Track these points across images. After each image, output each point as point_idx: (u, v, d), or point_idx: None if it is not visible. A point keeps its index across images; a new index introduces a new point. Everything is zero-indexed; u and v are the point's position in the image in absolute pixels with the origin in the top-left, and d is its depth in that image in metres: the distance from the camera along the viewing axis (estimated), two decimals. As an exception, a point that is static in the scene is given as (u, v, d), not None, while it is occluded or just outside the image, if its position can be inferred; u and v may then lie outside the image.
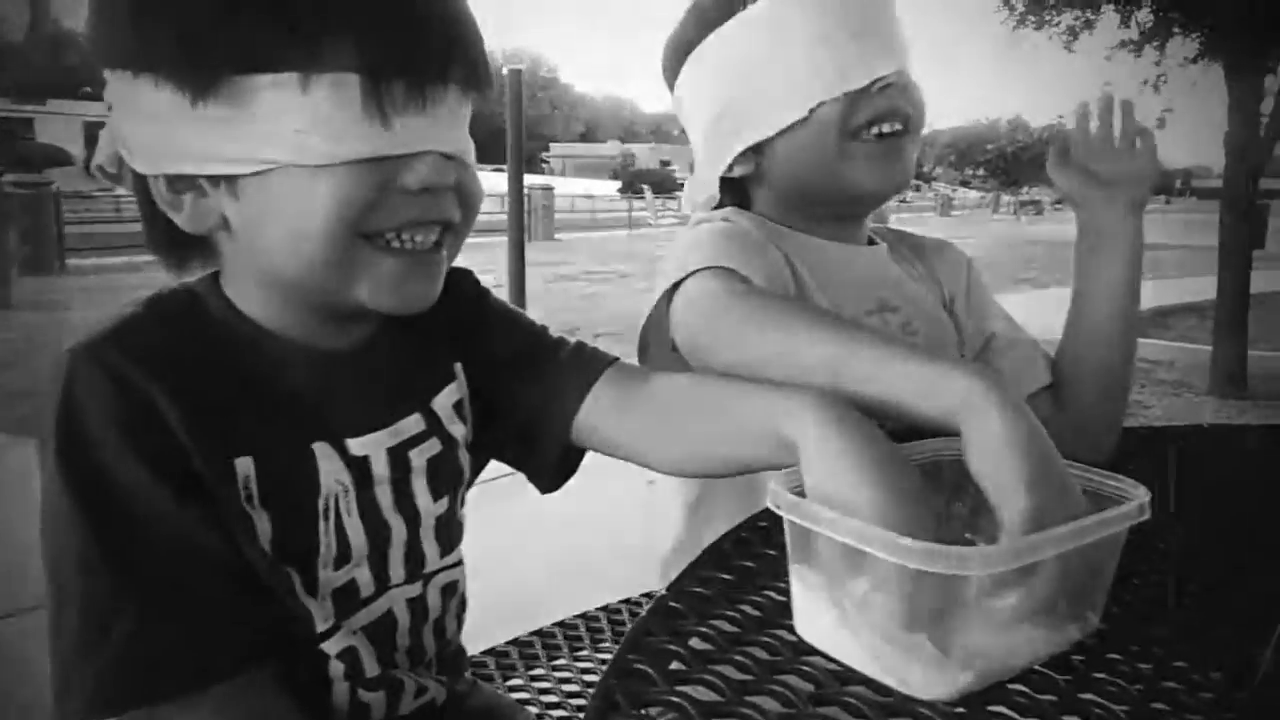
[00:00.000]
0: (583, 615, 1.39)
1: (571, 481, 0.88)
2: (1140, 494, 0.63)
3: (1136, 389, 6.25)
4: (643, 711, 0.52)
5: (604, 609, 1.41)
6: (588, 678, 1.23)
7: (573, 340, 0.86)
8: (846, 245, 1.13)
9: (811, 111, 1.02)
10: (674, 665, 0.58)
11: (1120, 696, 0.56)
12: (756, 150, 1.08)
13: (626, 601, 1.42)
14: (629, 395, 0.80)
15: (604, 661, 1.27)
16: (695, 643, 0.61)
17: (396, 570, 0.77)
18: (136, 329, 0.69)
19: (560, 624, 1.36)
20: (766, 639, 0.61)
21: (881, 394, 0.68)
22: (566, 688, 1.20)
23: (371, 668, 0.76)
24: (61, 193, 11.76)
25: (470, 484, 0.87)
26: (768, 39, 1.03)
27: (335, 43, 0.63)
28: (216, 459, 0.66)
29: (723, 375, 0.79)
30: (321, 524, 0.72)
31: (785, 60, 1.03)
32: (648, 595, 1.42)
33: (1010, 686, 0.57)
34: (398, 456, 0.77)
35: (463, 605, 0.86)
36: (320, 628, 0.72)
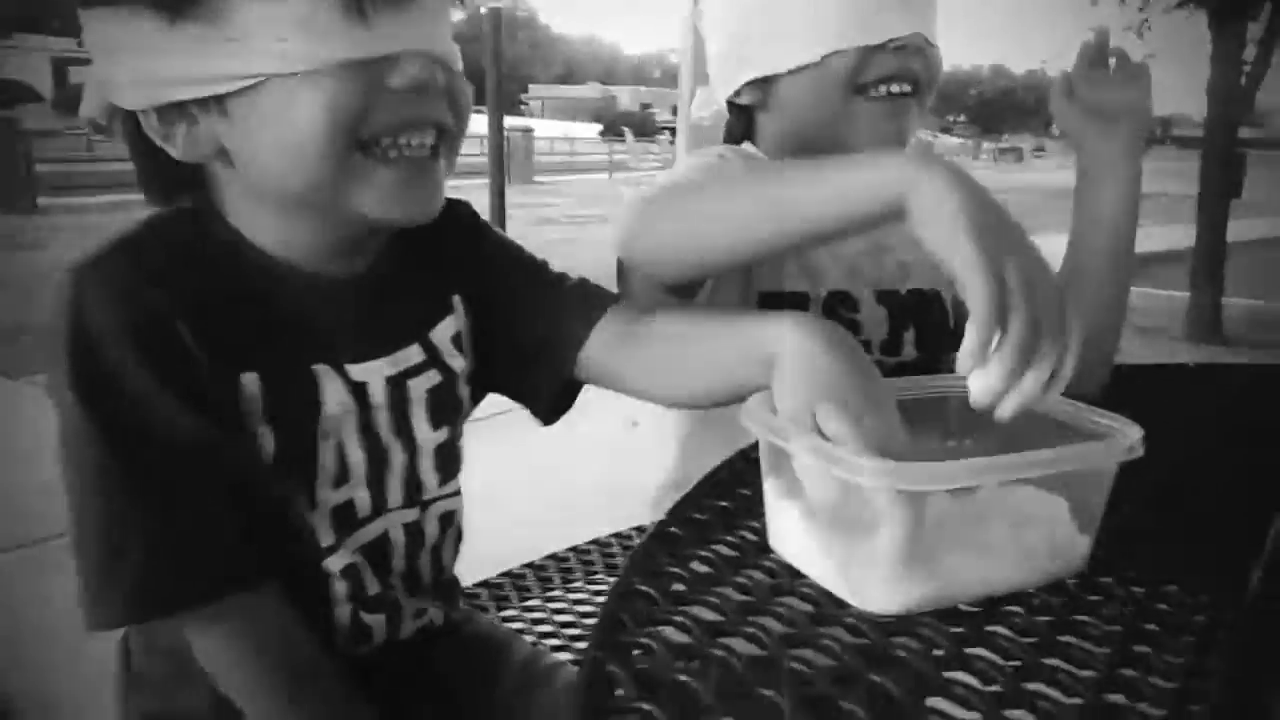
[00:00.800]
0: (573, 548, 1.40)
1: (558, 420, 0.88)
2: (1132, 432, 0.63)
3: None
4: (648, 630, 0.53)
5: (595, 542, 1.42)
6: (580, 608, 1.25)
7: (572, 276, 0.86)
8: None
9: (823, 58, 1.01)
10: (676, 587, 0.59)
11: (1112, 618, 0.57)
12: (765, 82, 1.07)
13: (617, 535, 1.44)
14: (632, 331, 0.80)
15: (597, 592, 1.29)
16: (696, 566, 0.62)
17: (394, 494, 0.78)
18: (139, 244, 0.68)
19: (552, 556, 1.38)
20: (767, 563, 0.63)
21: (825, 211, 0.68)
22: (560, 618, 1.22)
23: (372, 586, 0.77)
24: (31, 130, 11.49)
25: (468, 415, 0.87)
26: None
27: None
28: (224, 373, 0.67)
29: (714, 308, 0.79)
30: (321, 444, 0.73)
31: (805, 4, 1.01)
32: (638, 529, 1.44)
33: (1008, 609, 0.58)
34: (396, 385, 0.77)
35: (459, 536, 0.87)
36: (324, 542, 0.74)
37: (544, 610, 1.23)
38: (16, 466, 3.21)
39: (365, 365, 0.75)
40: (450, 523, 0.84)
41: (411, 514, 0.80)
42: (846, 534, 0.59)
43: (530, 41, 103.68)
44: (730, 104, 1.13)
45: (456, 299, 0.83)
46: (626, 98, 78.14)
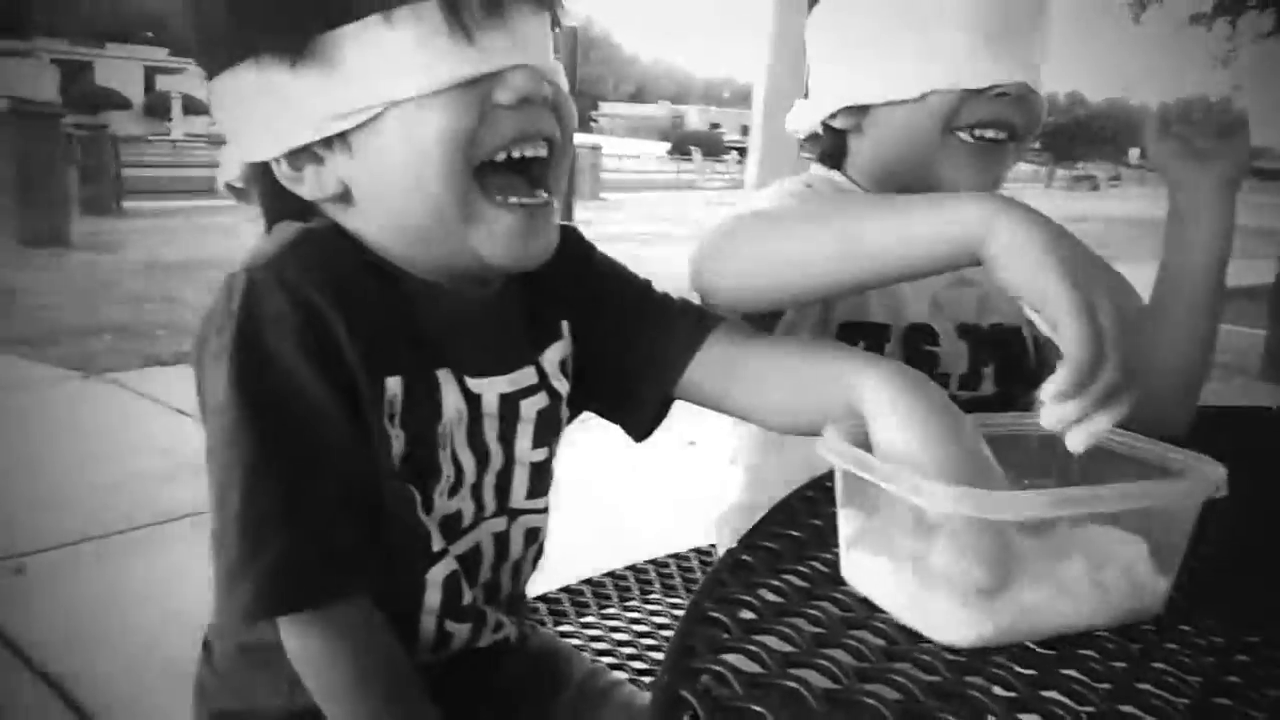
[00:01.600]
0: (631, 567, 1.41)
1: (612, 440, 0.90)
2: (1214, 472, 0.62)
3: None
4: (720, 657, 0.54)
5: (653, 562, 1.43)
6: (637, 628, 1.25)
7: (677, 297, 0.88)
8: None
9: (923, 95, 1.00)
10: (747, 615, 0.59)
11: (1192, 668, 0.56)
12: (863, 109, 1.07)
13: (675, 556, 1.44)
14: (735, 354, 0.82)
15: (654, 613, 1.29)
16: (768, 594, 0.62)
17: (489, 502, 0.80)
18: (307, 252, 0.71)
19: (610, 574, 1.38)
20: (839, 595, 0.62)
21: (901, 255, 0.69)
22: (616, 635, 1.22)
23: (468, 595, 0.79)
24: (118, 136, 11.93)
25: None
26: (908, 18, 1.01)
27: None
28: (373, 377, 0.70)
29: (810, 341, 0.80)
30: (440, 451, 0.75)
31: (917, 35, 1.00)
32: (698, 551, 1.44)
33: (1083, 651, 0.57)
34: (509, 402, 0.80)
35: (539, 554, 0.89)
36: (435, 547, 0.76)
37: (601, 628, 1.24)
38: (89, 463, 3.33)
39: (482, 380, 0.78)
40: (534, 540, 0.86)
41: (500, 523, 0.82)
42: (923, 564, 0.59)
43: (602, 60, 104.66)
44: (825, 124, 1.12)
45: (565, 325, 0.85)
46: (695, 117, 78.38)
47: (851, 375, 0.71)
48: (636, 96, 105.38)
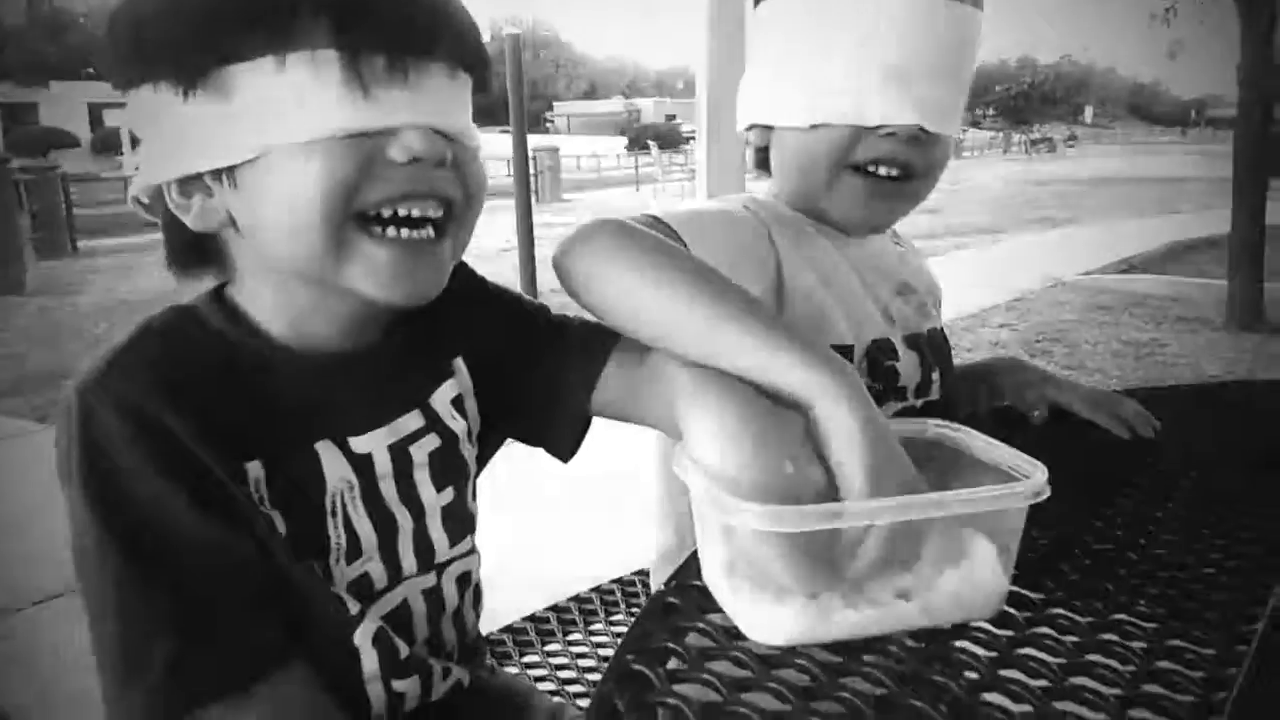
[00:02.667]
0: (596, 589, 1.41)
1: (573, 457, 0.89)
2: (1038, 478, 0.63)
3: (1153, 326, 6.22)
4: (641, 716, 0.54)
5: (618, 581, 1.43)
6: (603, 651, 1.25)
7: (574, 319, 0.87)
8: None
9: (811, 127, 1.00)
10: (672, 664, 0.59)
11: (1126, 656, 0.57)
12: (768, 127, 1.06)
13: (639, 574, 1.44)
14: (633, 371, 0.81)
15: (618, 635, 1.29)
16: (693, 640, 0.62)
17: (408, 561, 0.79)
18: (135, 354, 0.70)
19: (575, 598, 1.38)
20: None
21: (740, 368, 0.71)
22: (583, 662, 1.22)
23: (402, 649, 0.78)
24: (69, 175, 11.76)
25: (479, 473, 0.88)
26: (815, 32, 0.99)
27: (306, 22, 0.65)
28: (228, 465, 0.69)
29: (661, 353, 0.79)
30: (330, 520, 0.74)
31: (814, 66, 0.99)
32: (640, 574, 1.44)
33: (956, 644, 0.60)
34: (399, 452, 0.78)
35: (477, 596, 0.88)
36: (353, 610, 0.75)
37: (566, 655, 1.24)
38: (58, 515, 3.29)
39: (366, 437, 0.76)
40: (468, 583, 0.85)
41: (428, 579, 0.81)
42: (742, 570, 0.64)
43: (554, 60, 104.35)
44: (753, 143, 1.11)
45: (458, 362, 0.84)
46: (651, 110, 78.31)
47: (676, 395, 0.72)
48: (590, 94, 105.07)
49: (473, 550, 0.86)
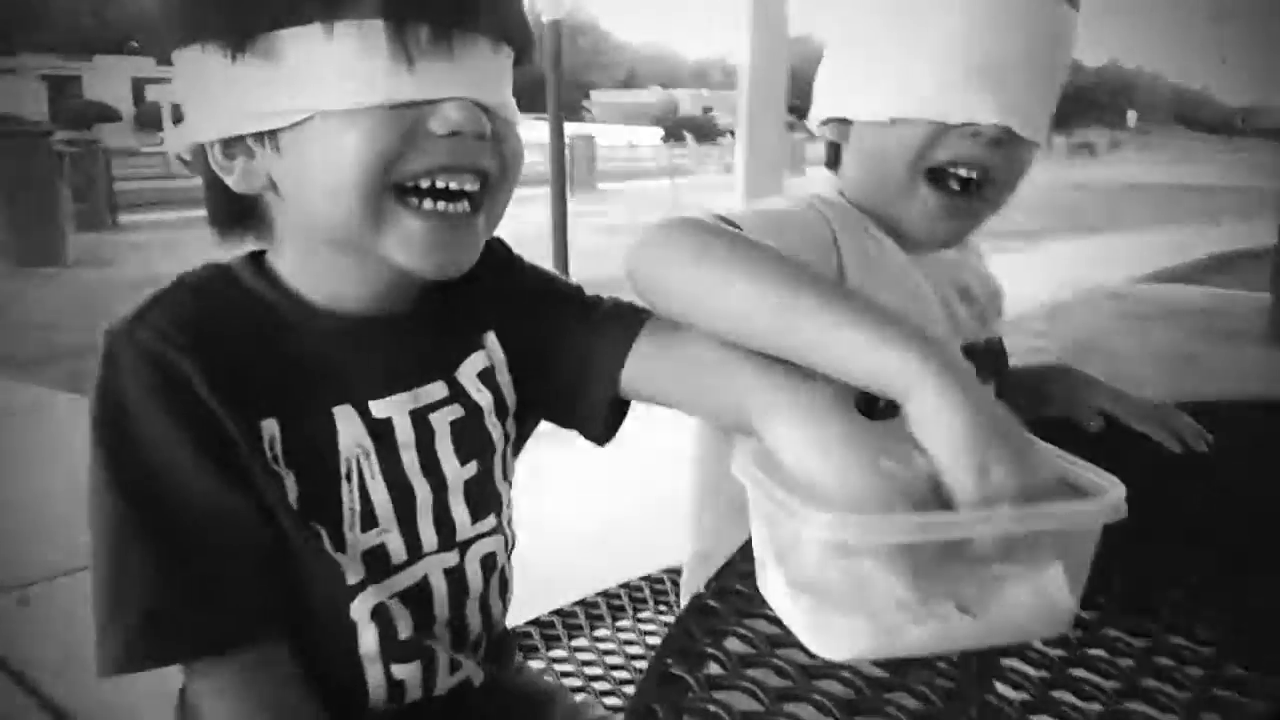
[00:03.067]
0: (625, 585, 1.40)
1: (606, 448, 0.88)
2: (1116, 495, 0.60)
3: (1195, 337, 6.12)
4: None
5: (646, 578, 1.42)
6: (630, 649, 1.24)
7: (607, 298, 0.87)
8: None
9: (892, 121, 0.96)
10: (711, 669, 0.58)
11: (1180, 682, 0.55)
12: (846, 122, 1.03)
13: (668, 571, 1.42)
14: (665, 350, 0.80)
15: (646, 632, 1.28)
16: (732, 644, 0.60)
17: (428, 536, 0.79)
18: (166, 305, 0.72)
19: (603, 593, 1.37)
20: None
21: (821, 362, 0.67)
22: (610, 659, 1.21)
23: (405, 629, 0.77)
24: (110, 149, 11.91)
25: (518, 451, 0.88)
26: (900, 24, 0.95)
27: None
28: (244, 422, 0.70)
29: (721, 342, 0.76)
30: (344, 485, 0.74)
31: (897, 59, 0.95)
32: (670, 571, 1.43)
33: (1006, 662, 0.58)
34: (419, 419, 0.78)
35: (504, 584, 0.87)
36: (350, 580, 0.75)
37: (593, 651, 1.23)
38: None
39: (387, 400, 0.77)
40: (493, 566, 0.84)
41: (451, 558, 0.80)
42: (815, 582, 0.60)
43: (592, 48, 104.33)
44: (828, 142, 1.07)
45: (490, 336, 0.84)
46: (688, 102, 78.14)
47: (752, 394, 0.69)
48: (627, 82, 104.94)
49: (497, 531, 0.84)
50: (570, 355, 0.83)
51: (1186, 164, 37.64)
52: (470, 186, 0.71)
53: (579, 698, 1.12)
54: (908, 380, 0.62)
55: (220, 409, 0.68)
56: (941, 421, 0.60)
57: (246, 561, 0.69)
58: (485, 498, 0.83)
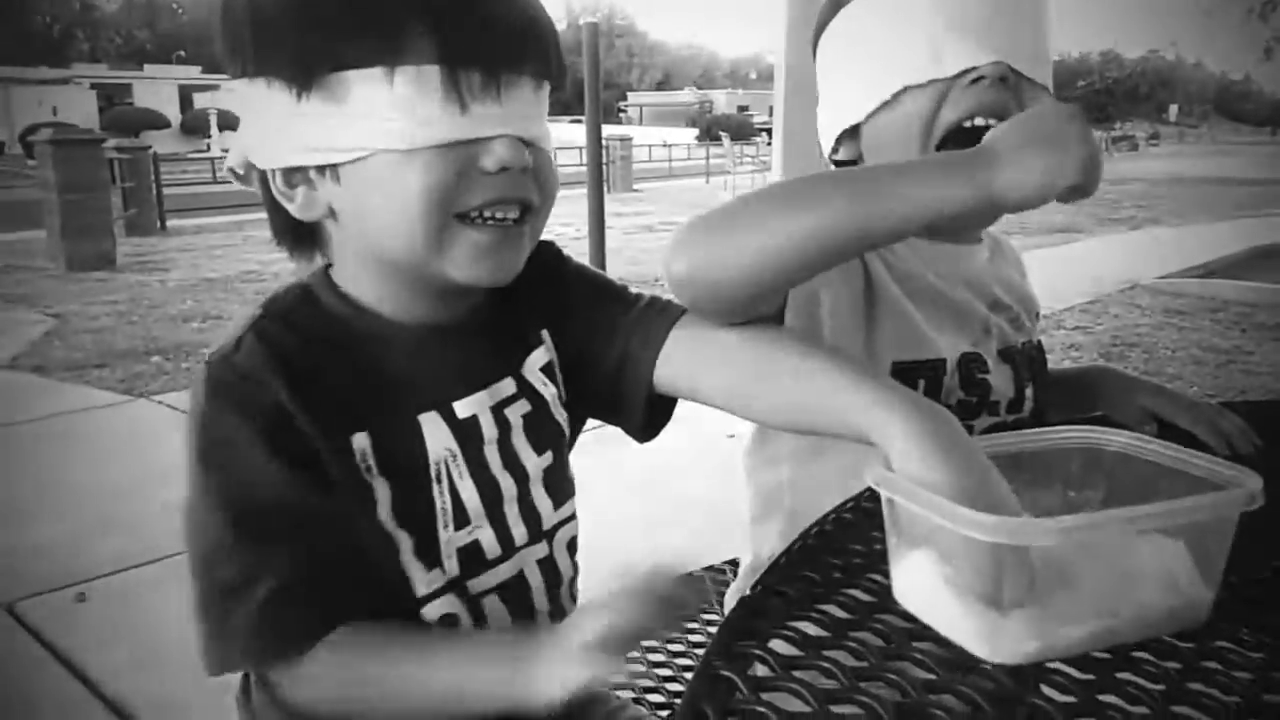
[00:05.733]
0: (688, 575, 1.40)
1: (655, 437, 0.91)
2: (1252, 484, 0.62)
3: (1236, 333, 6.01)
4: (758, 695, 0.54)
5: (689, 575, 1.42)
6: (672, 646, 1.25)
7: (646, 294, 0.90)
8: (960, 245, 1.08)
9: (896, 97, 0.96)
10: (758, 670, 0.59)
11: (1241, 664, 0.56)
12: (854, 135, 1.04)
13: (709, 569, 1.43)
14: (706, 346, 0.82)
15: (688, 630, 1.29)
16: (779, 646, 0.62)
17: (518, 529, 0.83)
18: (259, 333, 0.77)
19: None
20: (851, 643, 0.62)
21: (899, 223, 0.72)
22: (651, 656, 1.23)
23: (502, 624, 0.81)
24: (159, 155, 12.13)
25: (571, 444, 0.92)
26: (876, 21, 0.98)
27: (415, 39, 0.70)
28: (336, 437, 0.75)
29: (800, 342, 0.80)
30: (435, 487, 0.79)
31: (884, 39, 0.97)
32: (731, 564, 1.44)
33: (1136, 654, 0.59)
34: (498, 415, 0.83)
35: (577, 570, 0.91)
36: (421, 591, 0.78)
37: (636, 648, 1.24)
38: (143, 484, 3.40)
39: (469, 400, 0.81)
40: (574, 550, 0.89)
41: (541, 549, 0.85)
42: (962, 586, 0.62)
43: (628, 49, 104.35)
44: (834, 160, 1.09)
45: (545, 333, 0.89)
46: (723, 101, 77.92)
47: (861, 410, 0.71)
48: (664, 83, 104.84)
49: (573, 515, 0.89)
50: (611, 351, 0.87)
51: (1228, 156, 36.86)
52: (514, 215, 0.76)
53: (622, 694, 1.13)
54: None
55: (311, 429, 0.73)
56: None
57: (343, 560, 0.74)
58: (562, 485, 0.88)
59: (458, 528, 0.79)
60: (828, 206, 0.72)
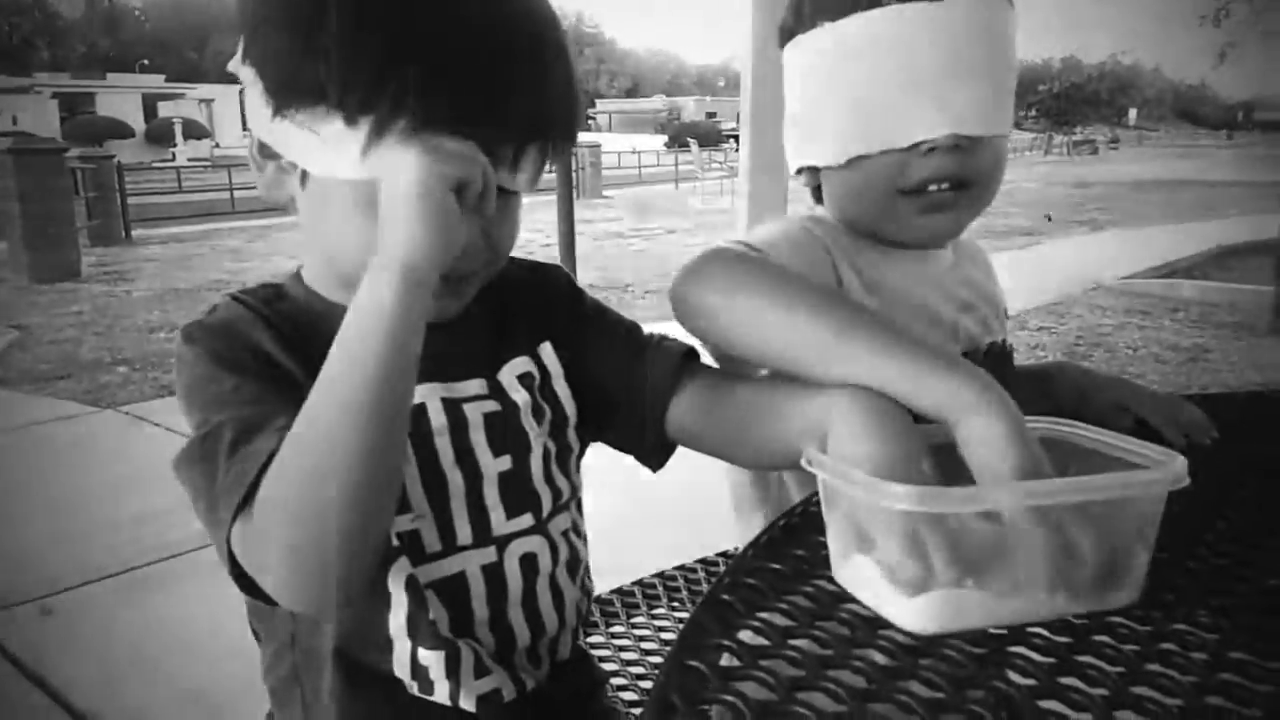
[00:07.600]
0: (659, 574, 1.42)
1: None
2: (1177, 465, 0.65)
3: (1196, 331, 6.11)
4: (699, 709, 0.54)
5: (680, 568, 1.44)
6: (665, 635, 1.27)
7: (657, 336, 0.91)
8: (927, 251, 1.09)
9: (848, 162, 0.99)
10: (726, 661, 0.60)
11: (1186, 667, 0.57)
12: (815, 169, 1.07)
13: (724, 555, 1.44)
14: (712, 399, 0.86)
15: (680, 620, 1.30)
16: (746, 636, 0.62)
17: (463, 530, 0.80)
18: (227, 305, 0.81)
19: (638, 583, 1.40)
20: (817, 631, 0.63)
21: (874, 384, 0.73)
22: (645, 645, 1.25)
23: (444, 626, 0.79)
24: (123, 164, 11.98)
25: (577, 462, 0.92)
26: (839, 71, 0.99)
27: (410, 100, 0.69)
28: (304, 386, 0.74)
29: (781, 379, 0.81)
30: None
31: (840, 103, 0.99)
32: (723, 555, 1.45)
33: (1013, 649, 0.58)
34: (452, 406, 0.81)
35: (557, 596, 0.86)
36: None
37: (649, 628, 1.28)
38: (108, 498, 3.36)
39: (420, 387, 0.78)
40: (535, 570, 0.84)
41: (488, 554, 0.81)
42: (886, 561, 0.64)
43: (597, 56, 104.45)
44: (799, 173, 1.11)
45: (545, 346, 0.89)
46: (692, 108, 78.19)
47: (816, 406, 0.75)
48: (633, 91, 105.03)
49: (537, 532, 0.85)
50: (627, 389, 0.88)
51: (1186, 159, 37.48)
52: (475, 268, 0.79)
53: (616, 681, 1.15)
54: (963, 403, 0.70)
55: (289, 362, 0.75)
56: (992, 435, 0.68)
57: None
58: (522, 495, 0.84)
59: (399, 513, 0.77)
60: (849, 347, 0.75)
